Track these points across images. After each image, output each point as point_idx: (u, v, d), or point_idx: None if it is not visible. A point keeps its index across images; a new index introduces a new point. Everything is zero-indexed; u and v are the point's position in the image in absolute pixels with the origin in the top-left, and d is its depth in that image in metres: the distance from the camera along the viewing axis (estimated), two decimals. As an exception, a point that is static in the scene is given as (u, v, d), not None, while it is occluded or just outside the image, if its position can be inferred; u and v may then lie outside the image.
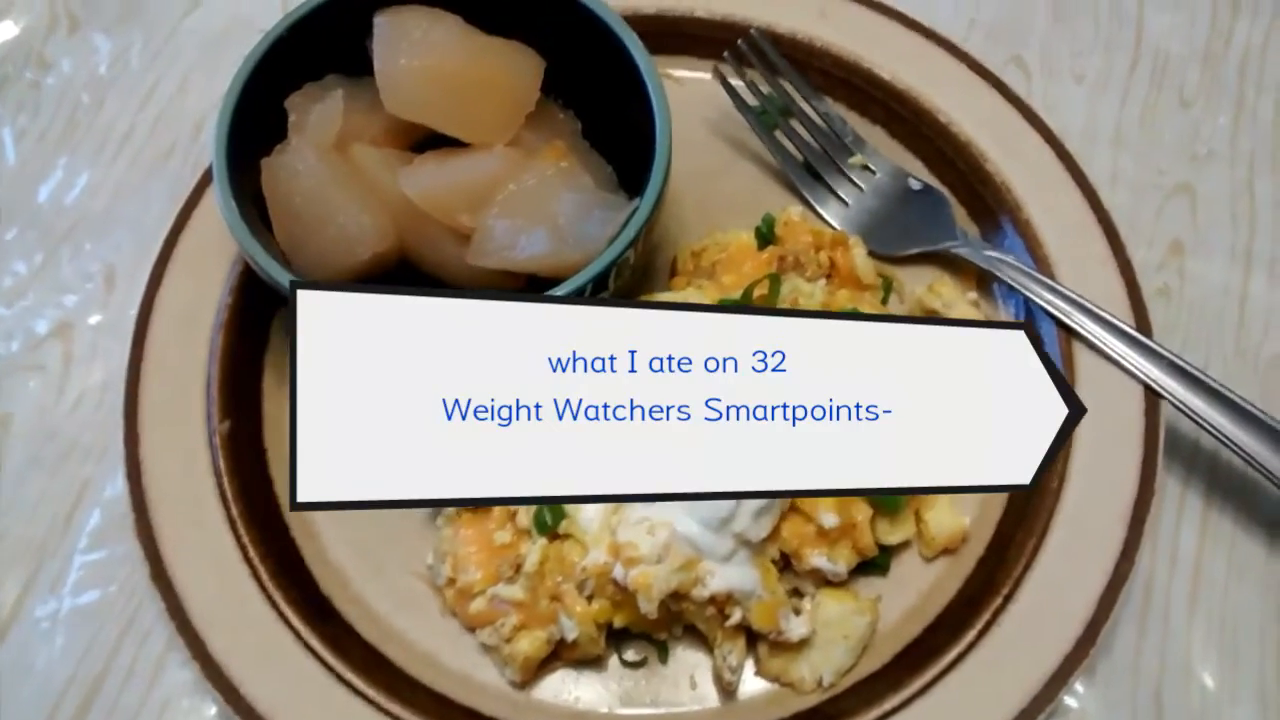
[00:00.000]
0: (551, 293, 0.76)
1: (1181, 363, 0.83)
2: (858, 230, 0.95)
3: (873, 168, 0.97)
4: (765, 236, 0.92)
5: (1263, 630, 0.82)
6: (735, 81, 0.98)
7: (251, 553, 0.80)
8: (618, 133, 0.87)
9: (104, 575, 0.84)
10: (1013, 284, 0.89)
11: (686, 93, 1.00)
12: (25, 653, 0.82)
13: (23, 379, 0.92)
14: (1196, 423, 0.82)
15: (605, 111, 0.88)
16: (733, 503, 0.75)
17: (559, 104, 0.90)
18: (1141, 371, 0.84)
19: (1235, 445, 0.80)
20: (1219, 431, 0.81)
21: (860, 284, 0.91)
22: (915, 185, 0.96)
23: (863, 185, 0.97)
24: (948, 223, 0.94)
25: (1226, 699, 0.80)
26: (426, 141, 0.86)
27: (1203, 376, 0.82)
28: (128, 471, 0.82)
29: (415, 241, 0.84)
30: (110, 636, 0.82)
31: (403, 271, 0.84)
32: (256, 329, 0.90)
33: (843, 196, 0.97)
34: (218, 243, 0.87)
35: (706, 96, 1.00)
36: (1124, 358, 0.85)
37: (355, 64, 0.85)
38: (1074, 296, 0.87)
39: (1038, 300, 0.88)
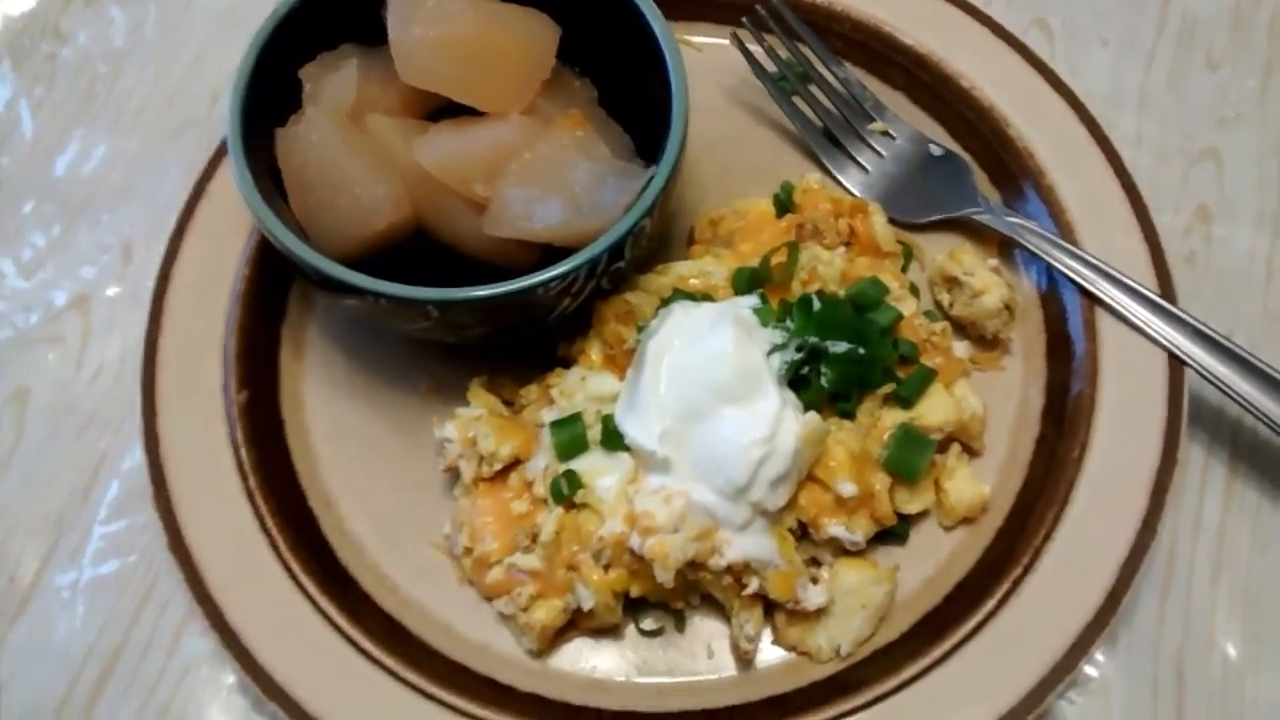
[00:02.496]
0: (565, 261, 0.75)
1: (1206, 329, 0.82)
2: (877, 197, 0.94)
3: (893, 134, 0.96)
4: (784, 204, 0.91)
5: (1286, 600, 0.81)
6: (754, 48, 0.97)
7: (269, 523, 0.80)
8: (634, 100, 0.86)
9: (123, 546, 0.85)
10: (1035, 250, 0.88)
11: (704, 59, 0.99)
12: (45, 623, 0.83)
13: (41, 351, 0.92)
14: (1221, 390, 0.80)
15: (622, 79, 0.87)
16: (750, 471, 0.74)
17: (575, 72, 0.89)
18: (1165, 338, 0.83)
19: (1261, 413, 0.79)
20: (1244, 399, 0.80)
21: (880, 251, 0.90)
22: (936, 151, 0.95)
23: (883, 152, 0.96)
24: (969, 189, 0.93)
25: (1249, 669, 0.79)
26: (442, 111, 0.85)
27: (1228, 343, 0.81)
28: (145, 443, 0.82)
29: (431, 211, 0.83)
30: (129, 606, 0.83)
31: (419, 241, 0.84)
32: (273, 300, 0.90)
33: (862, 163, 0.96)
34: (234, 214, 0.87)
35: (725, 63, 0.99)
36: (1148, 324, 0.84)
37: (370, 33, 0.84)
38: (1097, 263, 0.86)
39: (1060, 266, 0.87)
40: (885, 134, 0.96)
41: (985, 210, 0.91)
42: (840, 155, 0.97)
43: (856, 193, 0.95)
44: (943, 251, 0.91)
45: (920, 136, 0.96)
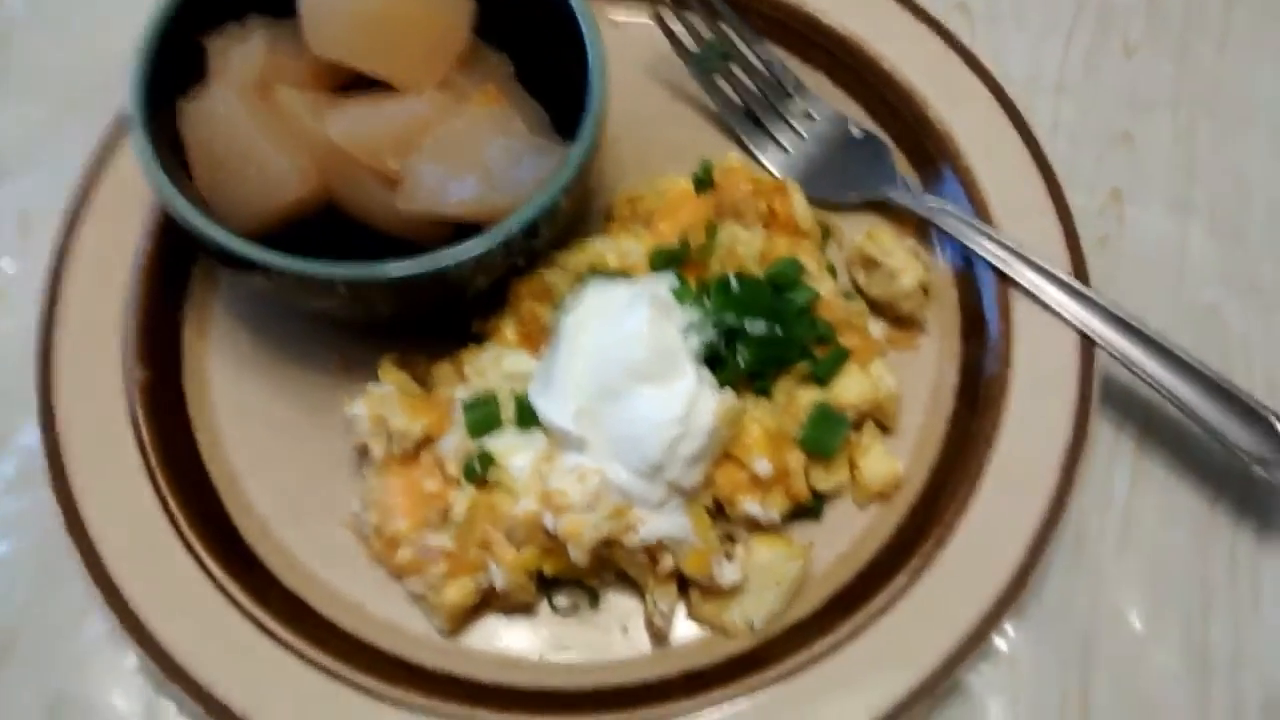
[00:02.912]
0: (479, 238, 0.74)
1: (1117, 311, 0.83)
2: (797, 177, 0.94)
3: (814, 114, 0.96)
4: (703, 183, 0.91)
5: (1188, 574, 0.83)
6: (675, 26, 0.96)
7: (170, 502, 0.78)
8: (552, 76, 0.84)
9: (19, 526, 0.83)
10: (950, 232, 0.88)
11: (625, 36, 0.98)
12: (-61, 605, 0.80)
13: (-67, 325, 0.89)
14: (1131, 370, 0.82)
15: (539, 54, 0.86)
16: (666, 450, 0.74)
17: (491, 46, 0.87)
18: (1077, 319, 0.84)
19: (1169, 393, 0.80)
20: (1153, 379, 0.81)
21: (799, 231, 0.90)
22: (856, 133, 0.95)
23: (804, 132, 0.96)
24: (888, 170, 0.93)
25: (1153, 641, 0.81)
26: (353, 84, 0.83)
27: (1138, 325, 0.82)
28: (41, 420, 0.80)
29: (341, 186, 0.81)
30: (26, 588, 0.81)
31: (330, 217, 0.82)
32: (176, 276, 0.88)
33: (783, 143, 0.96)
34: (136, 188, 0.84)
35: (645, 40, 0.98)
36: (1060, 306, 0.85)
37: (278, 5, 0.82)
38: (1011, 245, 0.86)
39: (975, 248, 0.87)
40: (806, 115, 0.96)
41: (903, 191, 0.92)
42: (760, 135, 0.97)
43: (776, 172, 0.95)
44: (861, 232, 0.91)
45: (841, 118, 0.96)
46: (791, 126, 0.96)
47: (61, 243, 0.85)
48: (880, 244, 0.89)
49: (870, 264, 0.89)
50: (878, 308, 0.89)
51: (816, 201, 0.92)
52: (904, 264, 0.87)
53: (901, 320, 0.89)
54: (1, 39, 1.01)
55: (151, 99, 0.78)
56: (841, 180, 0.94)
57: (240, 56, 0.81)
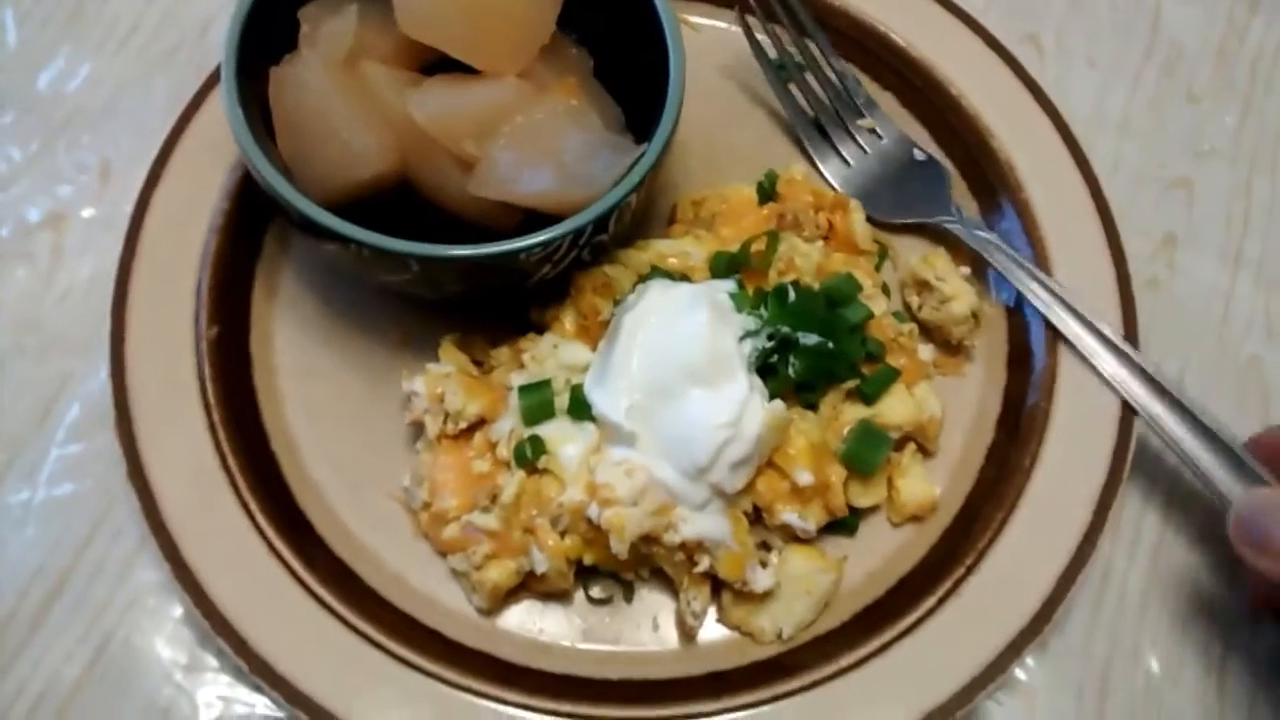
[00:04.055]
0: (551, 229, 0.76)
1: (1157, 377, 0.84)
2: (855, 192, 0.95)
3: (880, 132, 0.97)
4: (766, 192, 0.92)
5: (1210, 623, 0.84)
6: (759, 33, 0.97)
7: (230, 460, 0.80)
8: (629, 73, 0.86)
9: (80, 469, 0.85)
10: (1000, 269, 0.89)
11: (702, 39, 1.00)
12: (-5, 538, 0.82)
13: (10, 266, 0.91)
14: (1160, 437, 0.83)
15: (618, 51, 0.87)
16: (713, 453, 0.75)
17: (573, 40, 0.89)
18: (1116, 379, 0.85)
19: (1194, 465, 0.81)
20: (1180, 449, 0.81)
21: (856, 249, 0.91)
22: (919, 156, 0.97)
23: (867, 148, 0.97)
24: (944, 197, 0.94)
25: (1169, 683, 0.82)
26: (437, 64, 0.84)
27: (1175, 394, 0.83)
28: (112, 368, 0.81)
29: (418, 164, 0.83)
30: (81, 531, 0.83)
31: (402, 193, 0.84)
32: (251, 237, 0.89)
33: (846, 157, 0.97)
34: (218, 146, 0.86)
35: (720, 44, 1.00)
36: (1099, 360, 0.86)
37: (372, -21, 0.84)
38: (1059, 291, 0.87)
39: (1022, 289, 0.88)
40: (873, 131, 0.97)
41: (957, 220, 0.93)
42: (825, 145, 0.98)
43: (836, 185, 0.97)
44: (917, 254, 0.92)
45: (905, 139, 0.97)
46: (857, 141, 0.97)
47: (143, 195, 0.87)
48: (935, 269, 0.90)
49: (924, 287, 0.90)
50: (927, 331, 0.91)
51: (873, 220, 0.94)
52: (957, 290, 0.89)
53: (950, 346, 0.90)
54: (99, -7, 1.03)
55: (244, 64, 0.79)
56: (898, 201, 0.96)
57: (331, 29, 0.83)
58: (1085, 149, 0.94)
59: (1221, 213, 1.00)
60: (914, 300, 0.91)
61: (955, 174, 0.97)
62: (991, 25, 0.99)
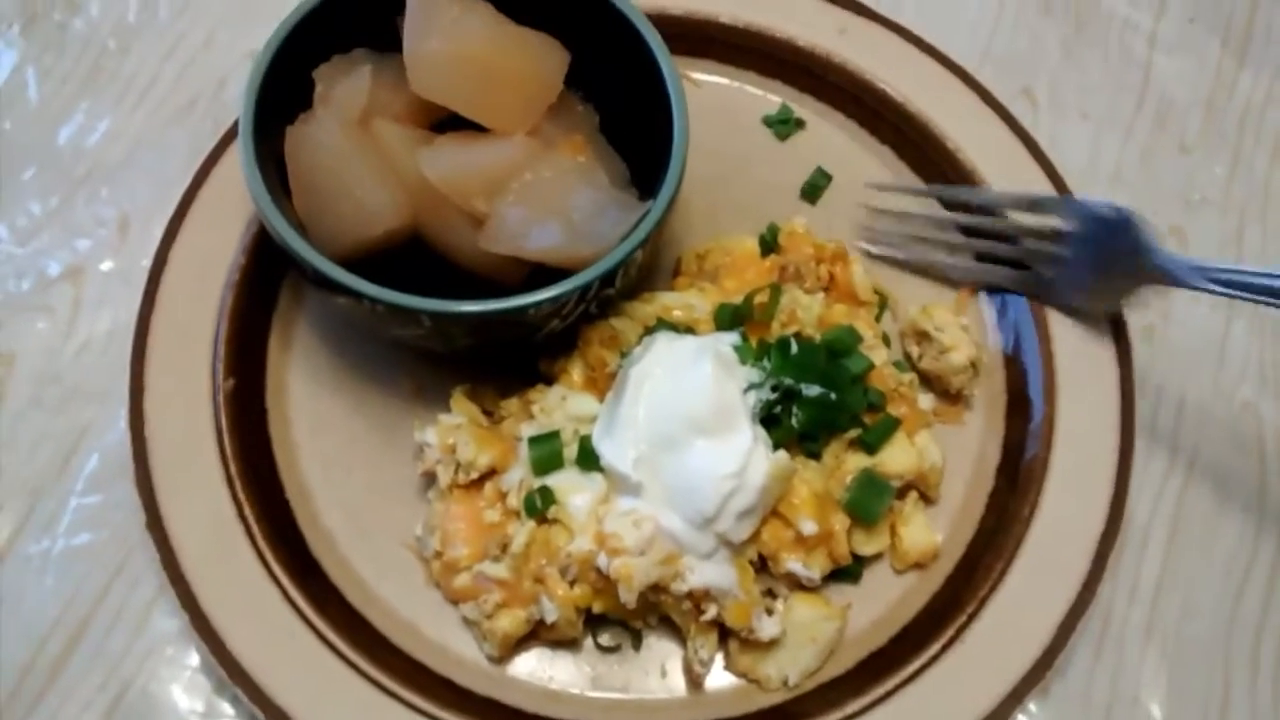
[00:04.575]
0: (559, 285, 0.78)
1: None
2: (1073, 294, 0.91)
3: (1062, 226, 0.91)
4: (769, 245, 0.94)
5: (1210, 670, 0.85)
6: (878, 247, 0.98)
7: (246, 510, 0.82)
8: (634, 128, 0.88)
9: (98, 519, 0.86)
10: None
11: (704, 94, 1.02)
12: (15, 590, 0.83)
13: (30, 319, 0.93)
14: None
15: (623, 107, 0.89)
16: (719, 503, 0.77)
17: (579, 96, 0.91)
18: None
19: None
20: None
21: (857, 299, 0.93)
22: (1106, 212, 0.89)
23: (1062, 251, 0.91)
24: (1147, 240, 0.86)
25: (1170, 729, 0.84)
26: (447, 121, 0.87)
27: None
28: (131, 420, 0.83)
29: (429, 220, 0.85)
30: (100, 580, 0.84)
31: (414, 247, 0.86)
32: (267, 290, 0.91)
33: (1044, 273, 0.92)
34: (235, 201, 0.88)
35: (722, 99, 1.02)
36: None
37: (383, 38, 0.86)
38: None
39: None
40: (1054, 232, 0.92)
41: (1170, 269, 0.85)
42: (1030, 276, 0.93)
43: (1068, 301, 0.91)
44: (915, 303, 0.94)
45: (1082, 206, 0.91)
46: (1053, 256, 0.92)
47: (161, 249, 0.89)
48: (934, 319, 0.92)
49: (924, 338, 0.92)
50: (927, 380, 0.92)
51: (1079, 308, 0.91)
52: (956, 340, 0.90)
53: (950, 395, 0.92)
54: (120, 48, 1.05)
55: (260, 122, 0.81)
56: (1108, 275, 0.89)
57: (345, 88, 0.85)
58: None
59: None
60: (914, 350, 0.93)
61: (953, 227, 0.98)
62: (986, 80, 1.01)
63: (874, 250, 0.98)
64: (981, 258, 0.97)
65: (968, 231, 0.97)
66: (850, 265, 0.93)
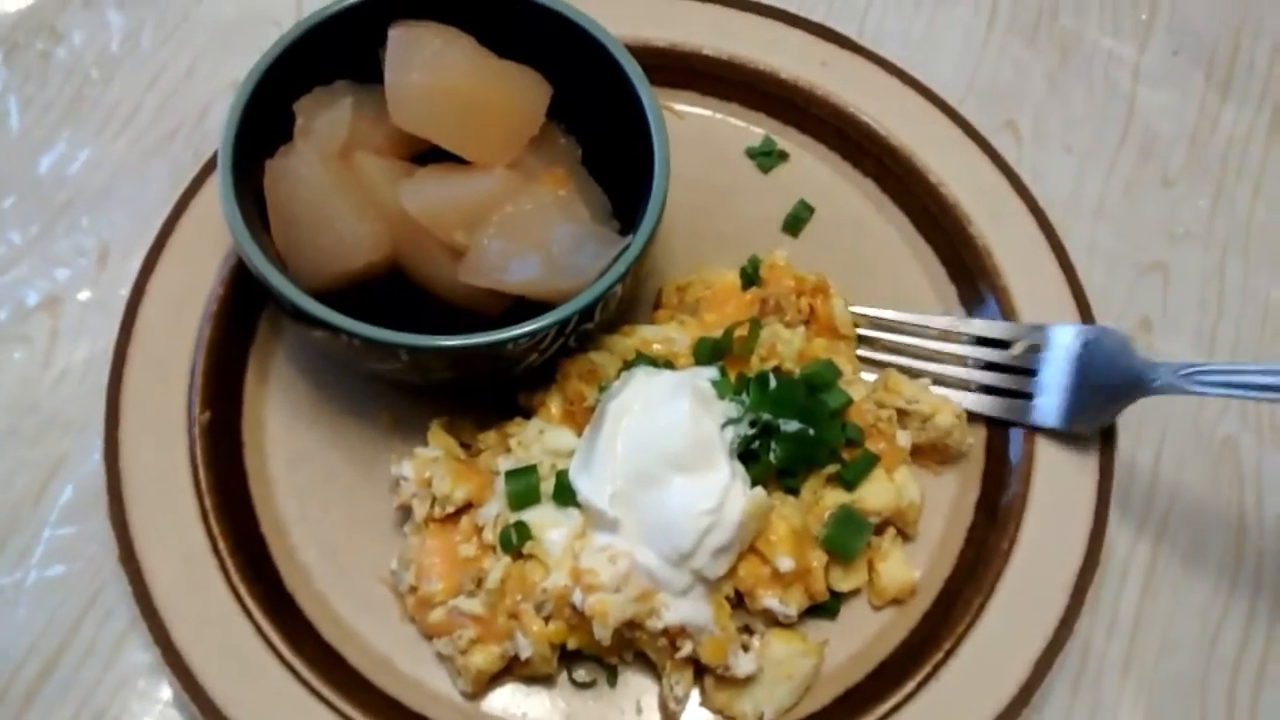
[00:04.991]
0: (539, 319, 0.78)
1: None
2: (1064, 418, 0.88)
3: (1037, 343, 0.90)
4: (749, 278, 0.94)
5: (1188, 705, 0.85)
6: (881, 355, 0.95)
7: (221, 545, 0.81)
8: (616, 161, 0.88)
9: (72, 551, 0.85)
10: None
11: (686, 126, 1.02)
12: (-13, 620, 0.83)
13: (8, 349, 0.93)
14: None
15: (605, 139, 0.89)
16: (695, 539, 0.77)
17: (561, 129, 0.91)
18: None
19: None
20: None
21: (837, 333, 0.93)
22: (1089, 334, 0.88)
23: (1036, 369, 0.90)
24: (1139, 360, 0.85)
25: (1148, 767, 0.83)
26: (428, 153, 0.87)
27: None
28: (105, 452, 0.83)
29: (409, 253, 0.85)
30: (73, 612, 0.83)
31: (393, 279, 0.86)
32: (244, 323, 0.91)
33: (1028, 391, 0.90)
34: (214, 233, 0.88)
35: (704, 132, 1.02)
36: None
37: (364, 70, 0.86)
38: None
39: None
40: (1031, 349, 0.90)
41: (1163, 379, 0.83)
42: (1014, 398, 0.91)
43: (1053, 426, 0.88)
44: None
45: (1060, 329, 0.89)
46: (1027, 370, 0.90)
47: (139, 280, 0.89)
48: (902, 393, 0.89)
49: (902, 415, 0.89)
50: (922, 451, 0.90)
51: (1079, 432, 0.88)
52: (935, 405, 0.88)
53: (951, 452, 0.90)
54: (103, 77, 1.06)
55: (239, 155, 0.82)
56: (1100, 396, 0.87)
57: (326, 121, 0.85)
58: (1062, 233, 0.96)
59: (1196, 296, 1.02)
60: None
61: (936, 261, 0.98)
62: (970, 112, 1.02)
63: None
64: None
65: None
66: (831, 299, 0.93)
